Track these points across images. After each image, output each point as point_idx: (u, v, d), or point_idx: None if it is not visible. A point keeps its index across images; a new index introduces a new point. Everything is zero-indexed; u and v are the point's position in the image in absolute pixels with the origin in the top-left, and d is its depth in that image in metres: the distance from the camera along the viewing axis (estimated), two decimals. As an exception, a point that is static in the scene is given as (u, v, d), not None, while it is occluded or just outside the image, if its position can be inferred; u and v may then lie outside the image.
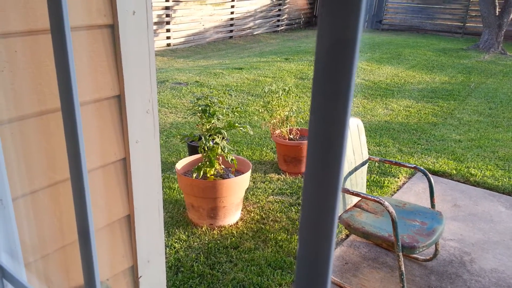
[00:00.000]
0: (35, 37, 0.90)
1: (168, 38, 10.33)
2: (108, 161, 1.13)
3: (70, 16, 0.95)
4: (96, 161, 1.09)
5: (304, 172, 0.29)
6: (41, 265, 0.96)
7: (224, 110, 3.13)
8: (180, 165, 3.15)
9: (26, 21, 0.87)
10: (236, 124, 3.03)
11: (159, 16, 9.99)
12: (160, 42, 10.20)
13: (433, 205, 2.67)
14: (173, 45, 10.46)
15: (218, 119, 3.01)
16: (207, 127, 3.02)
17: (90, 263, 0.37)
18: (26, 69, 0.90)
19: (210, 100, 3.08)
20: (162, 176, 3.71)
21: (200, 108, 3.04)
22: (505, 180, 3.81)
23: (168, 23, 10.23)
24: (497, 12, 10.59)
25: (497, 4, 10.56)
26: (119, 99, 1.13)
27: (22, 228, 0.88)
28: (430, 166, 4.06)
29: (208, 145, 2.90)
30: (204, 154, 2.95)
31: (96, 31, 1.04)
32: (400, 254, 2.22)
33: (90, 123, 1.06)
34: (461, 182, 3.80)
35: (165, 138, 4.60)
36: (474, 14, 12.96)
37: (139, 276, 1.31)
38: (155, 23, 9.97)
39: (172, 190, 3.51)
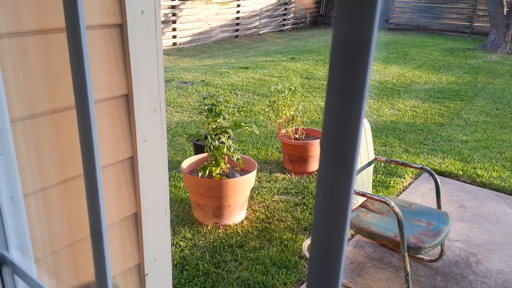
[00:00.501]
0: (45, 36, 0.91)
1: (174, 37, 10.36)
2: (116, 160, 1.14)
3: (80, 16, 0.96)
4: (104, 160, 1.10)
5: (318, 172, 0.30)
6: (51, 261, 0.97)
7: (230, 110, 3.14)
8: (185, 164, 3.17)
9: (37, 20, 0.88)
10: (242, 124, 3.04)
11: (165, 15, 10.02)
12: (166, 41, 10.22)
13: (439, 206, 2.67)
14: (179, 44, 10.48)
15: (224, 119, 3.02)
16: (213, 126, 3.03)
17: (102, 259, 0.38)
18: (36, 68, 0.91)
19: (216, 99, 3.09)
20: (168, 175, 3.72)
21: (206, 107, 3.05)
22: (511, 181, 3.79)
23: (174, 22, 10.25)
24: (505, 12, 10.51)
25: (505, 3, 10.48)
26: (127, 98, 1.14)
27: (32, 225, 0.89)
28: (436, 167, 4.04)
29: (214, 144, 2.91)
30: (210, 153, 2.96)
31: (105, 30, 1.05)
32: (406, 254, 2.22)
33: (98, 122, 1.07)
34: (467, 183, 3.78)
35: (171, 137, 4.62)
36: (481, 14, 12.87)
37: (145, 274, 1.31)
38: (161, 22, 9.99)
39: (178, 189, 3.52)
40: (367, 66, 0.26)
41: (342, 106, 0.27)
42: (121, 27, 1.08)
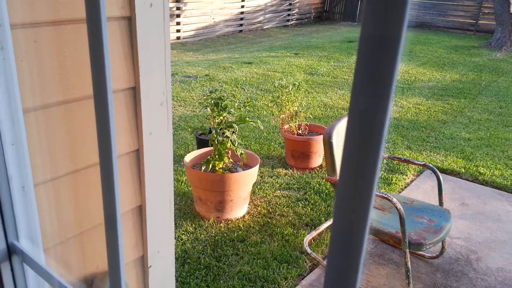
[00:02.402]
0: (57, 27, 0.92)
1: (178, 31, 10.34)
2: (122, 152, 1.15)
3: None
4: (111, 152, 1.12)
5: (341, 169, 0.30)
6: (59, 250, 0.98)
7: (235, 104, 3.14)
8: (188, 158, 3.18)
9: (50, 11, 0.89)
10: (247, 119, 3.05)
11: (169, 9, 10.01)
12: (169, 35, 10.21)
13: (441, 203, 2.67)
14: (183, 38, 10.47)
15: (229, 113, 3.03)
16: (218, 120, 3.04)
17: (115, 247, 0.39)
18: (48, 58, 0.91)
19: (222, 94, 3.10)
20: (170, 168, 3.74)
21: (212, 101, 3.06)
22: (514, 179, 3.79)
23: (178, 16, 10.24)
24: (510, 10, 10.45)
25: (511, 1, 10.42)
26: (134, 91, 1.15)
27: (42, 215, 0.90)
28: (439, 164, 4.04)
29: (218, 138, 2.92)
30: (215, 147, 2.97)
31: (114, 23, 1.05)
32: (407, 250, 2.23)
33: (105, 114, 1.08)
34: (469, 181, 3.79)
35: (174, 131, 4.63)
36: (487, 11, 12.80)
37: (149, 266, 1.33)
38: (165, 16, 9.97)
39: (180, 183, 3.54)
40: (395, 64, 0.26)
41: (368, 106, 0.27)
42: (130, 20, 1.09)
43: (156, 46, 1.15)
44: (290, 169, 3.85)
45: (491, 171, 3.94)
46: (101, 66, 0.33)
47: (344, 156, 0.29)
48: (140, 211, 1.27)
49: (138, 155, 1.21)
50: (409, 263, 2.25)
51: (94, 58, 0.34)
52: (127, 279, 1.29)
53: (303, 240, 2.83)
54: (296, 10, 13.78)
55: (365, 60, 0.26)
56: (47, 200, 0.92)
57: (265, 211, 3.16)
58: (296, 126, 3.93)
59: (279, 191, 3.46)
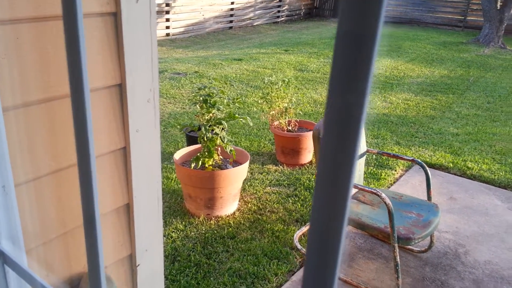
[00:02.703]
0: (38, 24, 0.90)
1: (167, 27, 10.27)
2: (108, 150, 1.14)
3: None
4: (97, 150, 1.10)
5: (317, 166, 0.30)
6: (42, 251, 0.97)
7: (225, 101, 3.13)
8: (178, 155, 3.16)
9: (31, 7, 0.88)
10: (237, 115, 3.04)
11: (158, 5, 9.92)
12: (159, 32, 10.14)
13: (429, 198, 2.70)
14: (172, 35, 10.40)
15: (218, 110, 3.02)
16: (207, 117, 3.03)
17: (95, 249, 0.38)
18: (29, 56, 0.90)
19: (211, 90, 3.08)
20: (160, 166, 3.72)
21: (201, 98, 3.04)
22: (501, 173, 3.84)
23: (167, 12, 10.16)
24: (498, 6, 10.55)
25: (498, -3, 10.53)
26: (120, 88, 1.13)
27: (24, 215, 0.89)
28: (427, 159, 4.08)
29: (208, 135, 2.91)
30: (204, 144, 2.96)
31: (99, 18, 1.04)
32: (396, 245, 2.25)
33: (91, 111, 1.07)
34: (457, 175, 3.83)
35: (163, 128, 4.60)
36: (475, 8, 12.92)
37: (137, 265, 1.32)
38: (154, 12, 9.89)
39: (170, 180, 3.52)
40: (371, 60, 0.26)
41: (345, 101, 0.27)
42: (116, 16, 1.07)
43: (143, 42, 1.13)
44: (280, 165, 3.85)
45: (479, 165, 3.99)
46: (77, 64, 0.33)
47: (322, 153, 0.29)
48: (128, 209, 1.26)
49: (125, 152, 1.20)
50: (398, 257, 2.27)
51: (70, 55, 0.33)
52: (115, 278, 1.28)
53: (293, 236, 2.83)
54: (286, 7, 13.77)
55: (341, 56, 0.26)
56: (29, 200, 0.91)
57: (256, 208, 3.16)
58: (286, 122, 3.93)
59: (269, 188, 3.46)
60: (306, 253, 0.33)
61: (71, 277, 1.08)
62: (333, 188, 0.30)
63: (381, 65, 8.05)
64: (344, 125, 0.28)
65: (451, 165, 3.98)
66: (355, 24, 0.25)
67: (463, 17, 13.20)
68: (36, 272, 0.94)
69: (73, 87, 0.34)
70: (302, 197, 3.33)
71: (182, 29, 10.61)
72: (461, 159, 4.11)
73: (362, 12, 0.25)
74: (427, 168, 2.68)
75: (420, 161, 2.67)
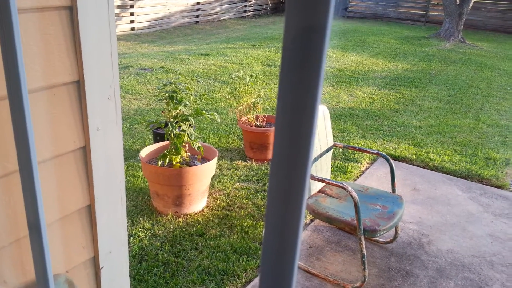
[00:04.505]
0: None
1: (132, 22, 10.04)
2: (66, 150, 1.10)
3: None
4: (53, 150, 1.06)
5: (271, 160, 0.29)
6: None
7: (191, 97, 3.09)
8: (144, 152, 3.10)
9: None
10: (204, 112, 3.01)
11: (122, -2, 9.68)
12: (123, 26, 9.90)
13: (394, 190, 2.76)
14: (137, 30, 10.18)
15: (185, 106, 2.97)
16: (174, 114, 2.98)
17: (42, 256, 0.36)
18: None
19: (177, 87, 3.03)
20: (126, 164, 3.64)
21: (167, 95, 2.99)
22: (462, 164, 3.98)
23: (132, 6, 9.93)
24: (457, 1, 10.90)
25: (457, -6, 10.88)
26: (79, 85, 1.09)
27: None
28: (392, 152, 4.18)
29: (174, 132, 2.86)
30: (171, 141, 2.91)
31: (53, 12, 0.99)
32: (362, 237, 2.29)
33: (46, 110, 1.02)
34: (420, 167, 3.94)
35: (129, 125, 4.50)
36: (436, 3, 13.31)
37: (100, 267, 1.28)
38: (118, 6, 9.65)
39: (136, 178, 3.45)
40: (322, 54, 0.25)
41: (296, 94, 0.26)
42: (71, 10, 1.03)
43: (101, 37, 1.09)
44: (249, 161, 3.85)
45: (441, 157, 4.12)
46: (13, 63, 0.30)
47: (275, 145, 0.28)
48: (89, 210, 1.22)
49: (85, 152, 1.16)
50: (364, 249, 2.32)
51: (5, 55, 0.31)
52: (77, 282, 1.24)
53: (262, 232, 2.84)
54: (253, 1, 13.73)
55: (291, 50, 0.25)
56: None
57: (224, 204, 3.15)
58: (254, 117, 3.93)
59: (238, 183, 3.45)
60: (262, 249, 0.32)
61: (26, 284, 1.03)
62: (289, 183, 0.29)
63: (346, 60, 8.17)
64: (297, 121, 0.27)
65: (414, 157, 4.10)
66: (305, 17, 0.24)
67: (424, 12, 13.58)
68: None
69: (10, 91, 0.31)
70: (270, 192, 3.33)
71: (147, 24, 10.40)
72: (424, 151, 4.23)
73: (311, 5, 0.24)
74: (391, 160, 2.74)
75: (384, 154, 2.72)
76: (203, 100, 3.15)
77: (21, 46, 0.31)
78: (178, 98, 2.97)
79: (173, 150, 2.92)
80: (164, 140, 3.31)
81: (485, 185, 3.66)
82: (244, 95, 3.83)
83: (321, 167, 2.73)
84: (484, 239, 2.91)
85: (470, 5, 10.96)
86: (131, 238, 2.71)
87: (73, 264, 1.19)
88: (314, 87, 0.26)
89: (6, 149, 0.91)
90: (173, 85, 3.04)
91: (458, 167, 3.93)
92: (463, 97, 6.18)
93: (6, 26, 0.29)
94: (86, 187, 1.18)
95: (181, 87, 3.05)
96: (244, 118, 3.93)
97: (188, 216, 2.98)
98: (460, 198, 3.43)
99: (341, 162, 3.90)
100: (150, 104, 5.15)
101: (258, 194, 3.30)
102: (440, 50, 9.70)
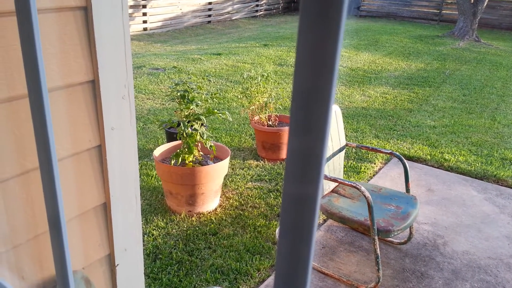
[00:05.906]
0: (1, 20, 0.86)
1: (144, 22, 10.11)
2: (82, 148, 1.11)
3: (40, -2, 0.91)
4: (70, 148, 1.07)
5: (286, 161, 0.29)
6: (13, 255, 0.93)
7: (203, 96, 3.10)
8: (158, 152, 3.12)
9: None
10: (215, 111, 3.01)
11: (135, -1, 9.75)
12: (136, 26, 9.97)
13: (408, 190, 2.73)
14: (150, 30, 10.25)
15: (197, 105, 2.98)
16: (186, 113, 2.99)
17: (62, 252, 0.36)
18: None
19: (188, 86, 3.05)
20: (139, 163, 3.67)
21: (178, 94, 3.00)
22: (477, 165, 3.92)
23: (144, 6, 10.00)
24: (472, 0, 10.75)
25: (472, -8, 10.73)
26: (94, 85, 1.10)
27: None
28: (406, 152, 4.13)
29: (187, 131, 2.87)
30: (183, 140, 2.93)
31: (68, 13, 1.00)
32: (376, 237, 2.27)
33: (62, 109, 1.03)
34: (435, 167, 3.89)
35: (143, 125, 4.54)
36: (450, 1, 13.14)
37: (116, 265, 1.29)
38: (131, 7, 9.73)
39: (150, 177, 3.47)
40: (335, 54, 0.25)
41: (310, 94, 0.26)
42: (86, 10, 1.04)
43: (115, 37, 1.10)
44: (261, 160, 3.85)
45: (456, 157, 4.06)
46: (34, 62, 0.30)
47: (290, 144, 0.28)
48: (105, 208, 1.23)
49: (100, 151, 1.17)
50: (378, 249, 2.30)
51: (26, 54, 0.31)
52: (93, 279, 1.25)
53: (275, 231, 2.83)
54: (265, 1, 13.72)
55: (306, 43, 0.25)
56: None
57: (237, 203, 3.15)
58: (266, 117, 3.93)
59: (250, 183, 3.45)
60: (277, 247, 0.32)
61: (44, 281, 1.05)
62: (303, 181, 0.29)
63: (359, 59, 8.11)
64: (312, 115, 0.27)
65: (429, 157, 4.05)
66: (321, 10, 0.24)
67: (438, 11, 13.42)
68: (6, 278, 0.91)
69: (30, 89, 0.32)
70: (283, 192, 3.33)
71: (159, 24, 10.46)
72: (438, 151, 4.18)
73: (325, 3, 0.24)
74: (405, 160, 2.71)
75: (398, 154, 2.70)
76: (215, 99, 3.16)
77: (40, 46, 0.31)
78: (189, 97, 2.98)
79: (186, 149, 2.93)
80: (176, 140, 3.33)
81: (501, 185, 3.60)
82: (256, 94, 3.83)
83: (333, 167, 2.71)
84: (500, 240, 2.86)
85: (485, 4, 10.80)
86: (145, 236, 2.73)
87: (89, 261, 1.20)
88: (329, 76, 0.26)
89: (24, 148, 0.93)
90: (185, 84, 3.05)
91: (473, 167, 3.87)
92: (478, 96, 6.09)
93: (27, 27, 0.30)
94: (102, 185, 1.19)
95: (193, 87, 3.06)
96: (256, 118, 3.93)
97: (201, 215, 2.99)
98: (475, 199, 3.38)
99: (354, 162, 3.87)
100: (163, 104, 5.18)
101: (271, 194, 3.30)
102: (454, 49, 9.58)
